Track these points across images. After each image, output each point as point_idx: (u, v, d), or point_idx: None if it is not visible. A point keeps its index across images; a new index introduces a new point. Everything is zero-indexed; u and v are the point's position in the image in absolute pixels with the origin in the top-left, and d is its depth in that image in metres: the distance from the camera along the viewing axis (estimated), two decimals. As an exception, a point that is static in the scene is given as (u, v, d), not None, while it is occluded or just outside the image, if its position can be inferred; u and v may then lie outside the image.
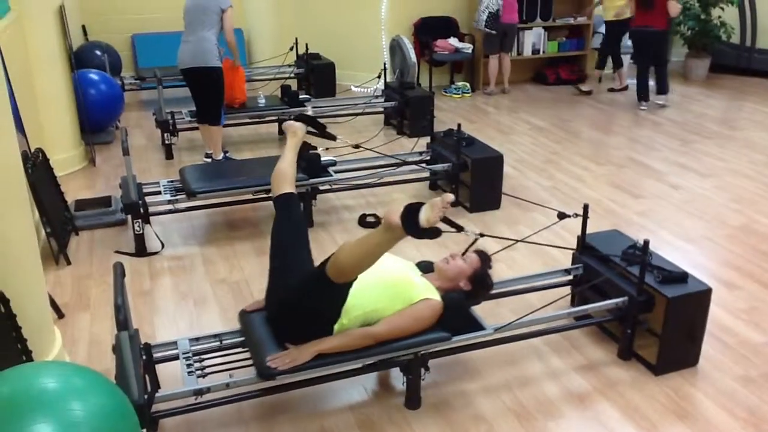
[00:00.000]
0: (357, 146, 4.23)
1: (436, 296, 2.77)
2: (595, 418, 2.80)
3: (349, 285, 2.58)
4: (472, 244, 2.90)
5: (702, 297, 3.03)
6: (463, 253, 2.92)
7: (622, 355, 3.17)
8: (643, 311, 3.05)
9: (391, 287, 2.72)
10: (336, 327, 2.63)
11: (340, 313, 2.62)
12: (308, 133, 3.28)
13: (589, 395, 2.94)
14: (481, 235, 2.74)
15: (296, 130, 3.26)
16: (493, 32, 7.86)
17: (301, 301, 2.63)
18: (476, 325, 2.92)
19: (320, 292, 2.58)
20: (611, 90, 8.42)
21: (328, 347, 2.60)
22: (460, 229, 2.51)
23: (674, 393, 2.94)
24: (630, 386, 2.99)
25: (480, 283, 2.94)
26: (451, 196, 2.31)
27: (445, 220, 2.37)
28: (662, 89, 7.77)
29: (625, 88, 8.38)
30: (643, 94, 7.72)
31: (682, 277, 3.06)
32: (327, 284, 2.52)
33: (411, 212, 2.28)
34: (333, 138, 3.20)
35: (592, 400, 2.91)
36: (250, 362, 2.79)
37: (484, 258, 2.97)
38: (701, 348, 3.11)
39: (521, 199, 4.55)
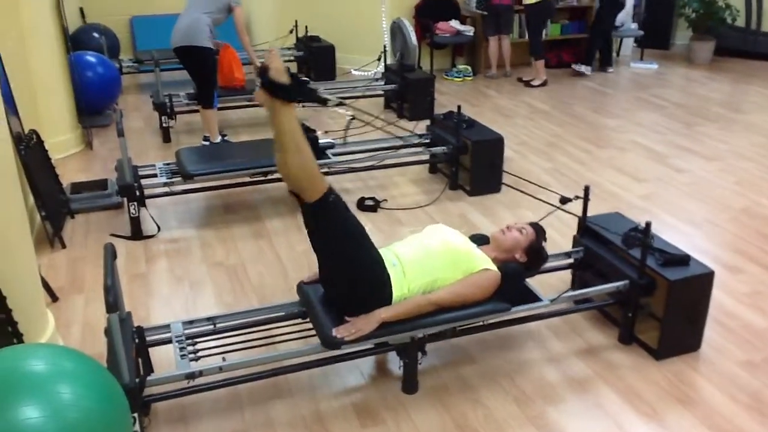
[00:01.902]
0: (341, 103, 4.19)
1: (494, 267, 2.79)
2: (595, 403, 2.76)
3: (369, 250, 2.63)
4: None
5: (704, 280, 2.97)
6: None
7: (622, 340, 3.12)
8: (644, 295, 3.00)
9: (451, 257, 2.74)
10: (397, 296, 2.64)
11: (386, 271, 2.63)
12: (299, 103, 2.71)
13: (589, 380, 2.90)
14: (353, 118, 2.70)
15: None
16: (485, 13, 7.83)
17: (346, 269, 2.63)
18: (532, 297, 2.95)
19: (353, 251, 2.60)
20: (520, 80, 7.88)
21: (391, 315, 2.61)
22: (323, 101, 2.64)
23: (675, 377, 2.90)
24: (631, 371, 2.94)
25: (535, 255, 2.98)
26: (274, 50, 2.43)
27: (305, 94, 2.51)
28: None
29: (545, 82, 7.76)
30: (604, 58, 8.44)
31: (684, 259, 3.00)
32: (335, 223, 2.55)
33: (263, 72, 2.39)
34: (324, 102, 2.93)
35: (592, 384, 2.87)
36: (244, 346, 2.76)
37: (539, 230, 3.01)
38: (703, 332, 3.07)
39: (519, 177, 4.48)
